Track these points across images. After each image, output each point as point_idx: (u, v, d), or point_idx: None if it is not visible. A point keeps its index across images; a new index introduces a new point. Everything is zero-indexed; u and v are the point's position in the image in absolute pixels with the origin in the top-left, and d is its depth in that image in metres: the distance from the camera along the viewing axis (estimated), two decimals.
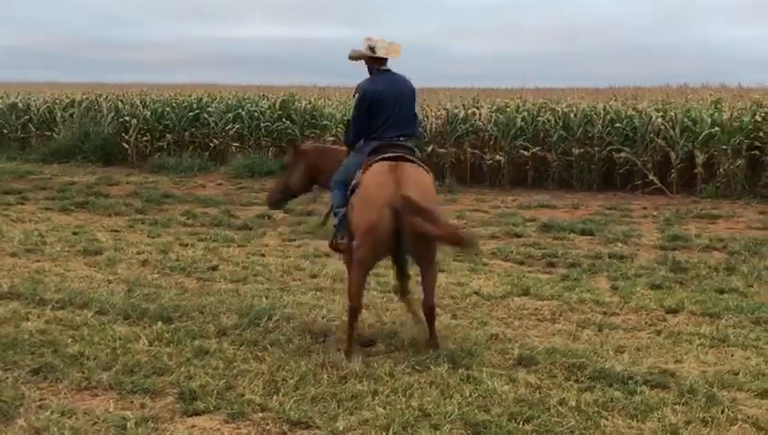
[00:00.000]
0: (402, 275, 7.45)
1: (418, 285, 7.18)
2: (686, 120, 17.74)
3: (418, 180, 6.69)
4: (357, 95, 7.21)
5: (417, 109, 7.27)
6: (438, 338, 6.94)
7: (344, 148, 7.63)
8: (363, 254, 6.62)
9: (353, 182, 6.91)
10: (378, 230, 6.47)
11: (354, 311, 6.77)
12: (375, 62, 7.21)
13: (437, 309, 7.22)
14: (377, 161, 6.79)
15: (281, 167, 9.47)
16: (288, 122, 21.57)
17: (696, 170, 17.26)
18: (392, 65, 7.26)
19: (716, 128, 17.22)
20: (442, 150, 19.16)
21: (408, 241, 6.52)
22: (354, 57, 7.28)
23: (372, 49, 7.13)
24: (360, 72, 7.31)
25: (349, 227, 6.86)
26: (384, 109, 7.03)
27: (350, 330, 6.77)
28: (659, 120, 17.85)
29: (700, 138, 17.32)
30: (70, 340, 6.95)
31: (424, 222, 6.36)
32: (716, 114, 17.72)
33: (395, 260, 7.29)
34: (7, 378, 6.07)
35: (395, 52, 7.22)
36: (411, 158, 6.92)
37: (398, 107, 7.06)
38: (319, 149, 8.06)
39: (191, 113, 22.73)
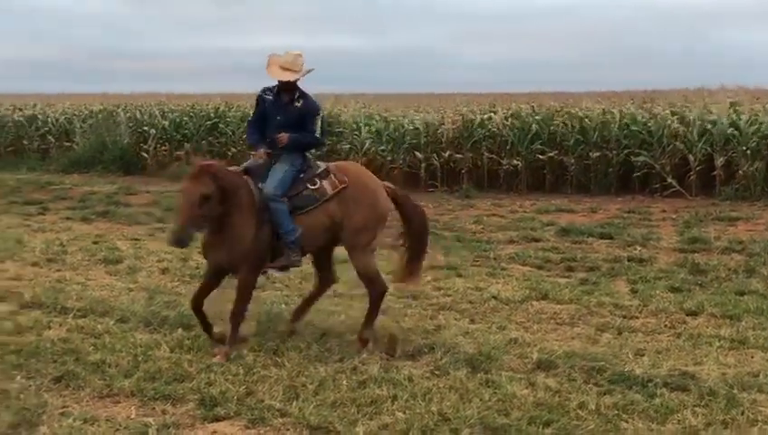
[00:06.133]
0: None
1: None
2: (704, 122, 17.65)
3: None
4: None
5: None
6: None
7: None
8: None
9: None
10: None
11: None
12: None
13: None
14: None
15: None
16: None
17: (714, 173, 17.18)
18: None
19: (735, 130, 17.15)
20: (458, 156, 19.14)
21: None
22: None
23: None
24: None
25: None
26: None
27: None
28: (677, 123, 17.77)
29: (718, 140, 17.25)
30: (91, 348, 7.01)
31: None
32: (735, 116, 17.65)
33: None
34: (30, 386, 6.14)
35: None
36: None
37: None
38: None
39: (209, 122, 22.85)
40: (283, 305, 8.39)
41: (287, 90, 7.29)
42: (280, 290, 9.24)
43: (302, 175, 7.20)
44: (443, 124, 19.60)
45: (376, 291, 7.32)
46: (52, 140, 24.59)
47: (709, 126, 17.54)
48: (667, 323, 8.00)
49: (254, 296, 8.76)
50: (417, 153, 19.16)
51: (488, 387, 6.12)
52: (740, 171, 16.89)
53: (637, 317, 8.23)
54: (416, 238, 7.55)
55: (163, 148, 22.70)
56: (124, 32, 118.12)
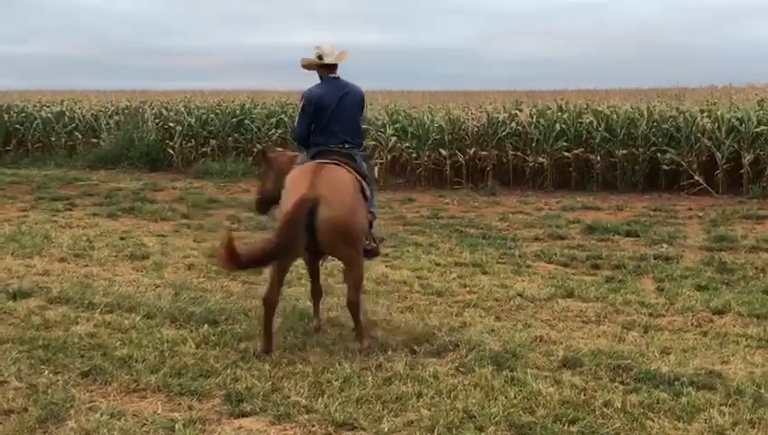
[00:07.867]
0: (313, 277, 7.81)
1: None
2: (732, 119, 17.52)
3: (333, 181, 6.81)
4: (302, 101, 7.39)
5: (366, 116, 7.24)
6: (363, 334, 7.13)
7: None
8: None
9: None
10: (292, 223, 6.58)
11: (264, 303, 6.91)
12: (325, 70, 7.35)
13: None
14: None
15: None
16: None
17: (742, 170, 17.05)
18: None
19: (763, 127, 17.01)
20: (483, 153, 19.12)
21: (321, 238, 6.74)
22: (305, 65, 7.40)
23: (320, 57, 7.26)
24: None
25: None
26: (323, 114, 7.22)
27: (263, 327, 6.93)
28: (705, 120, 17.65)
29: (746, 138, 17.12)
30: (118, 343, 7.06)
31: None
32: (762, 114, 17.50)
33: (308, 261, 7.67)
34: (58, 381, 6.18)
35: (343, 57, 7.32)
36: (339, 161, 7.05)
37: (338, 113, 7.20)
38: (286, 157, 8.00)
39: (234, 119, 22.91)
40: (309, 302, 8.40)
41: None
42: (305, 286, 9.25)
43: None
44: (467, 121, 19.59)
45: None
46: (79, 137, 24.73)
47: (737, 123, 17.41)
48: (693, 321, 7.95)
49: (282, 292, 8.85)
50: (442, 150, 19.16)
51: (513, 385, 6.10)
52: None
53: (663, 315, 8.18)
54: None
55: (189, 144, 22.82)
56: (155, 29, 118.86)
